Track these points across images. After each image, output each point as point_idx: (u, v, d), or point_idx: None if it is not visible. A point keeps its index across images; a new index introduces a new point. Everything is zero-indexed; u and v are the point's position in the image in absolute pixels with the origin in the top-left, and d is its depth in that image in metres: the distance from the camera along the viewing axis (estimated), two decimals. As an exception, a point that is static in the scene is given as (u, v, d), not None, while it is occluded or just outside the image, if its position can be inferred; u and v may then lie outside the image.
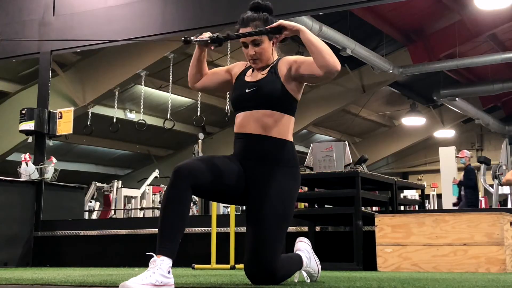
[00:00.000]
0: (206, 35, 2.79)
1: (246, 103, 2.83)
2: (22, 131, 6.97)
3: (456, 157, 10.35)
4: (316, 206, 5.60)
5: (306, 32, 2.74)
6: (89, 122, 12.38)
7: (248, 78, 2.90)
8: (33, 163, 6.73)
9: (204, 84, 3.04)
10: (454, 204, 10.12)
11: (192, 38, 2.77)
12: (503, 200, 12.75)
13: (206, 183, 2.66)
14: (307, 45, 2.74)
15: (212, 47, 2.86)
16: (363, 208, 5.09)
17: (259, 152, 2.78)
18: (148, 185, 12.91)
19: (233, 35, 2.76)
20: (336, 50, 11.35)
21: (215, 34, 2.79)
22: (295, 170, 2.83)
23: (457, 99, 14.79)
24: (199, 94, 11.70)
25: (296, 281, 2.95)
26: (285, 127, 2.81)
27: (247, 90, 2.84)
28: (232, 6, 6.31)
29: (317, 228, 5.40)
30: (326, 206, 5.63)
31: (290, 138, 2.85)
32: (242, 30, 2.85)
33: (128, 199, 12.44)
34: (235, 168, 2.77)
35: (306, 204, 6.42)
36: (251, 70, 2.93)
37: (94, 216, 12.53)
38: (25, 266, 6.38)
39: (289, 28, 2.73)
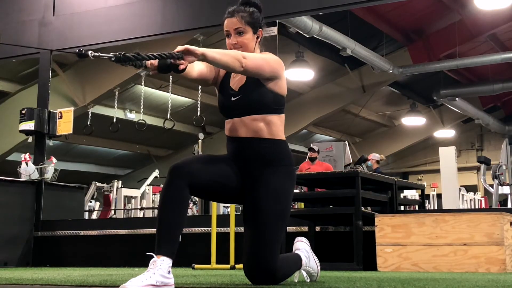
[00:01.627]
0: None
1: (234, 111, 2.81)
2: (22, 131, 6.97)
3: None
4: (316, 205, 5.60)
5: (209, 54, 2.54)
6: (89, 122, 12.37)
7: (232, 82, 2.86)
8: (33, 163, 6.73)
9: (202, 74, 2.89)
10: None
11: (89, 52, 2.49)
12: (503, 200, 12.75)
13: (203, 182, 2.66)
14: (215, 65, 2.67)
15: (151, 72, 2.58)
16: (363, 208, 5.09)
17: (253, 154, 2.77)
18: (148, 185, 12.91)
19: (144, 56, 2.49)
20: (336, 50, 11.37)
21: (121, 53, 2.46)
22: (290, 168, 2.82)
23: (457, 99, 14.79)
24: (199, 94, 11.70)
25: (296, 281, 2.95)
26: (276, 126, 2.80)
27: (232, 99, 2.81)
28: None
29: (317, 228, 5.40)
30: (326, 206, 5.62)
31: (283, 137, 2.83)
32: (227, 21, 2.85)
33: (128, 199, 12.43)
34: (231, 167, 2.77)
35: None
36: None
37: (94, 216, 12.53)
38: (25, 266, 6.38)
39: (193, 53, 2.50)
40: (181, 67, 2.52)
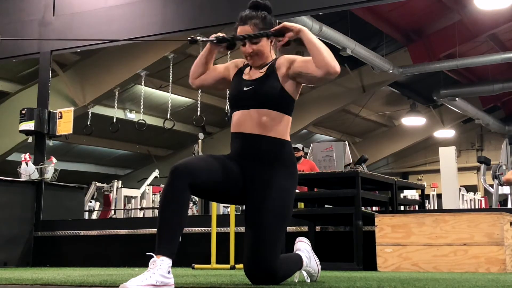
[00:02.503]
0: (213, 37, 2.82)
1: (243, 102, 2.82)
2: (22, 131, 6.97)
3: None
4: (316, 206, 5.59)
5: (307, 33, 2.76)
6: (89, 122, 12.38)
7: (245, 76, 2.89)
8: (33, 163, 6.72)
9: (202, 82, 3.01)
10: None
11: (198, 38, 2.80)
12: (503, 200, 12.75)
13: (204, 182, 2.66)
14: (308, 45, 2.74)
15: (222, 49, 2.89)
16: (363, 208, 5.09)
17: (257, 152, 2.78)
18: (148, 185, 12.91)
19: (239, 36, 2.79)
20: (336, 50, 11.36)
21: (221, 35, 2.82)
22: (292, 169, 2.83)
23: (457, 99, 14.80)
24: (199, 94, 11.70)
25: (296, 281, 2.95)
26: (282, 126, 2.81)
27: (244, 89, 2.83)
28: (232, 6, 6.30)
29: (317, 228, 5.40)
30: (326, 206, 5.62)
31: (287, 138, 2.84)
32: (240, 28, 2.85)
33: (128, 199, 12.43)
34: (233, 168, 2.77)
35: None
36: (249, 68, 2.92)
37: (94, 216, 12.53)
38: (25, 266, 6.38)
39: (292, 29, 2.75)
40: (285, 39, 2.80)
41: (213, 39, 2.81)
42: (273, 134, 2.78)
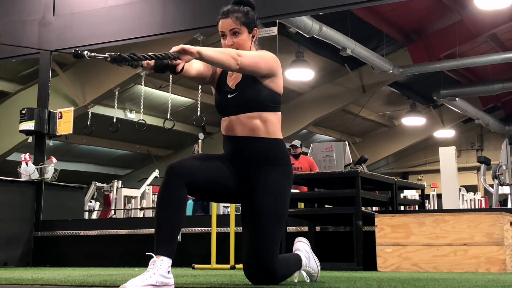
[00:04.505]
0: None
1: (230, 109, 2.81)
2: (22, 131, 6.97)
3: None
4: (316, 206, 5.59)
5: (205, 53, 2.55)
6: (89, 122, 12.38)
7: (228, 80, 2.87)
8: (33, 163, 6.73)
9: (199, 72, 2.87)
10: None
11: (85, 52, 2.48)
12: (503, 200, 12.75)
13: (200, 181, 2.65)
14: (211, 63, 2.66)
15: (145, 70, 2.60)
16: (363, 208, 5.09)
17: (249, 154, 2.77)
18: (148, 185, 12.91)
19: (139, 56, 2.48)
20: (336, 50, 11.37)
21: (117, 53, 2.45)
22: (287, 168, 2.82)
23: (457, 99, 14.79)
24: (199, 94, 11.70)
25: (296, 281, 2.95)
26: (272, 125, 2.79)
27: (228, 96, 2.82)
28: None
29: (317, 228, 5.40)
30: (326, 206, 5.62)
31: (279, 136, 2.83)
32: (222, 22, 2.86)
33: (128, 199, 12.43)
34: (228, 167, 2.77)
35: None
36: None
37: (94, 216, 12.53)
38: (25, 266, 6.38)
39: (189, 52, 2.49)
40: (179, 67, 2.52)
41: (106, 56, 2.45)
42: (264, 134, 2.77)
